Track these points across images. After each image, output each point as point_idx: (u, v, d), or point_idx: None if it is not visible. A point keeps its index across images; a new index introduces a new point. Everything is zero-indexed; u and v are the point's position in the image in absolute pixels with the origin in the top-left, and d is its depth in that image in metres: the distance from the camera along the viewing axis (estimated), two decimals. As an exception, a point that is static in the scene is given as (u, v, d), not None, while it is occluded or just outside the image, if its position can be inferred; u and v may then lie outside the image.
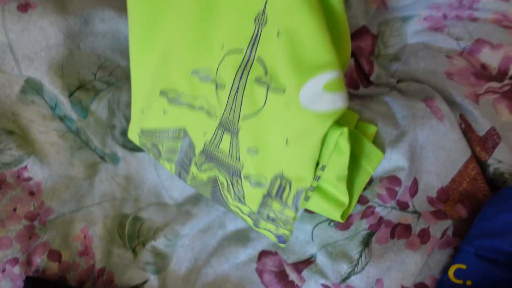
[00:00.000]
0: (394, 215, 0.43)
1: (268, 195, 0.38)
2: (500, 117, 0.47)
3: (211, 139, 0.40)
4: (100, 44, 0.46)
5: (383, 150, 0.44)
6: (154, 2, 0.39)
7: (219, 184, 0.41)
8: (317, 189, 0.38)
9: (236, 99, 0.37)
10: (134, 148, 0.48)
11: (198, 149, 0.41)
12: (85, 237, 0.42)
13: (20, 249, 0.39)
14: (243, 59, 0.35)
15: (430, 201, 0.44)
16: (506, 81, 0.49)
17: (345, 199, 0.38)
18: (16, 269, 0.39)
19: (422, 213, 0.43)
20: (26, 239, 0.39)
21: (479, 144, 0.45)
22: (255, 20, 0.34)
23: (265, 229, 0.41)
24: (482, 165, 0.45)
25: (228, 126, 0.38)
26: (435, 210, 0.44)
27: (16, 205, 0.40)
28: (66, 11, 0.42)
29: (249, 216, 0.41)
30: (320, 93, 0.32)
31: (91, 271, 0.42)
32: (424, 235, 0.42)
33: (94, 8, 0.43)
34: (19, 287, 0.39)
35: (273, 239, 0.42)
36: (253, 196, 0.39)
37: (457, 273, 0.39)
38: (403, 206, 0.44)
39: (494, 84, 0.49)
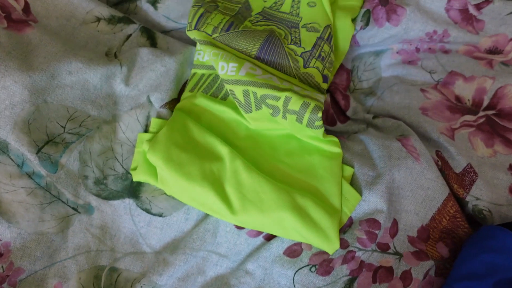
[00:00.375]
0: (375, 258, 0.43)
1: (320, 38, 0.50)
2: (476, 152, 0.47)
3: (272, 5, 0.54)
4: (68, 96, 0.45)
5: (360, 192, 0.43)
6: None
7: (276, 33, 0.50)
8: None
9: None
10: (108, 197, 0.46)
11: (254, 12, 0.53)
12: (57, 297, 0.41)
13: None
14: None
15: (411, 240, 0.44)
16: (481, 113, 0.50)
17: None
18: None
19: (404, 254, 0.43)
20: (-8, 307, 0.37)
21: (457, 181, 0.45)
22: None
23: (313, 66, 0.48)
24: (461, 202, 0.45)
25: None
26: (417, 250, 0.43)
27: (-18, 271, 0.38)
28: (30, 67, 0.41)
29: (301, 56, 0.48)
30: None
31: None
32: (406, 278, 0.41)
33: (60, 62, 0.42)
34: None
35: (320, 79, 0.48)
36: (309, 38, 0.50)
37: (441, 319, 0.39)
38: (383, 248, 0.43)
39: (469, 117, 0.49)
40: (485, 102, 0.50)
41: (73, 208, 0.44)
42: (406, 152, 0.45)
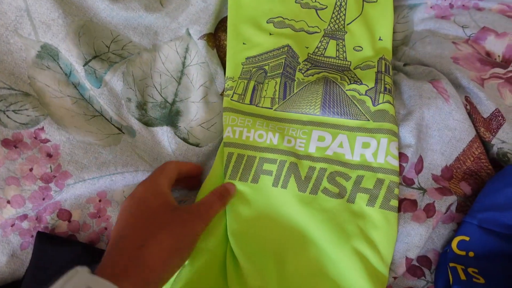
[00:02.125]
0: (400, 190, 0.44)
1: (378, 72, 0.49)
2: (504, 101, 0.48)
3: (315, 50, 0.52)
4: (112, 19, 0.47)
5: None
6: None
7: (331, 78, 0.49)
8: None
9: (340, 10, 0.53)
10: (148, 123, 0.48)
11: (301, 59, 0.51)
12: (100, 200, 0.43)
13: (32, 208, 0.39)
14: None
15: (435, 178, 0.45)
16: (510, 68, 0.51)
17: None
18: (25, 224, 0.39)
19: (428, 189, 0.44)
20: (39, 200, 0.40)
21: (484, 125, 0.46)
22: None
23: (384, 102, 0.46)
24: (486, 145, 0.46)
25: (334, 34, 0.53)
26: (440, 187, 0.45)
27: (32, 166, 0.40)
28: None
29: (367, 95, 0.47)
30: None
31: (102, 233, 0.43)
32: (429, 210, 0.43)
33: None
34: (28, 242, 0.39)
35: (394, 111, 0.46)
36: (367, 75, 0.49)
37: (460, 244, 0.40)
38: (409, 183, 0.45)
39: (499, 70, 0.50)
40: (515, 59, 0.51)
41: (117, 128, 0.46)
42: (436, 92, 0.46)
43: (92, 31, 0.46)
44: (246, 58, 0.51)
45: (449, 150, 0.45)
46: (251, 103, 0.49)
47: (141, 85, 0.49)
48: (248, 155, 0.45)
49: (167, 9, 0.51)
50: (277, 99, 0.48)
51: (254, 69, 0.51)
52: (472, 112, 0.47)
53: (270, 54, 0.51)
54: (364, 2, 0.54)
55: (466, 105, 0.47)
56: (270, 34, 0.52)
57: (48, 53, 0.43)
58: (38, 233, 0.39)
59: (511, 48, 0.52)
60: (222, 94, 0.52)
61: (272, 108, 0.48)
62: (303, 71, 0.50)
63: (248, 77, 0.50)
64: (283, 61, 0.50)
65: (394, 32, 0.58)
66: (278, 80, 0.49)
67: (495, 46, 0.53)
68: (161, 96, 0.50)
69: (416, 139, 0.44)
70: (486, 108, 0.46)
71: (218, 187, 0.42)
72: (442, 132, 0.45)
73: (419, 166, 0.45)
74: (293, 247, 0.42)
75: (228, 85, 0.50)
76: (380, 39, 0.53)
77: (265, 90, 0.49)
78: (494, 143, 0.45)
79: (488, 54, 0.53)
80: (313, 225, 0.42)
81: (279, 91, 0.49)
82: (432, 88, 0.46)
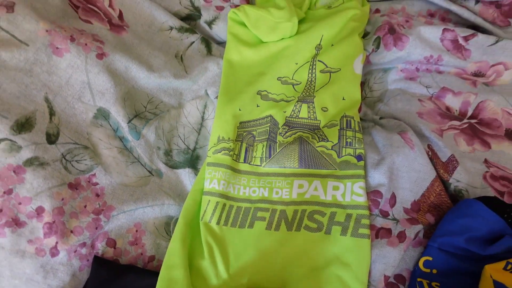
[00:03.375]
0: (378, 221, 0.55)
1: (341, 129, 0.61)
2: (459, 147, 0.60)
3: (291, 113, 0.64)
4: (148, 85, 0.60)
5: (367, 171, 0.57)
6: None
7: (304, 138, 0.60)
8: None
9: (311, 83, 0.66)
10: (173, 166, 0.60)
11: (281, 124, 0.63)
12: (137, 231, 0.54)
13: (89, 236, 0.50)
14: (310, 65, 0.67)
15: (406, 211, 0.56)
16: (465, 121, 0.63)
17: None
18: (84, 250, 0.50)
19: (400, 220, 0.55)
20: (93, 229, 0.50)
21: (442, 167, 0.58)
22: (315, 47, 0.68)
23: (346, 154, 0.58)
24: (445, 184, 0.58)
25: (305, 99, 0.64)
26: (410, 217, 0.56)
27: (86, 203, 0.51)
28: (126, 60, 0.57)
29: (332, 149, 0.59)
30: (359, 63, 0.67)
31: (139, 258, 0.53)
32: (401, 236, 0.54)
33: (146, 61, 0.59)
34: (84, 265, 0.50)
35: (354, 161, 0.58)
36: (332, 133, 0.61)
37: (426, 263, 0.51)
38: (384, 215, 0.56)
39: (455, 123, 0.63)
40: (469, 113, 0.64)
41: (148, 171, 0.58)
42: (404, 142, 0.58)
43: (133, 95, 0.58)
44: (240, 123, 0.63)
45: (416, 188, 0.57)
46: (245, 162, 0.60)
47: (169, 136, 0.61)
48: (245, 207, 0.57)
49: (191, 75, 0.64)
50: (264, 158, 0.60)
51: (244, 133, 0.62)
52: (433, 157, 0.59)
53: (257, 122, 0.63)
54: (331, 73, 0.67)
55: (428, 151, 0.59)
56: (258, 106, 0.64)
57: (102, 114, 0.55)
58: (95, 257, 0.49)
59: (465, 104, 0.65)
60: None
61: (261, 165, 0.60)
62: (282, 134, 0.62)
63: (240, 139, 0.62)
64: (268, 128, 0.62)
65: (371, 91, 0.71)
66: (265, 143, 0.61)
67: (453, 102, 0.66)
68: (184, 144, 0.62)
69: (389, 180, 0.56)
70: (444, 154, 0.58)
71: None
72: (410, 174, 0.57)
73: (393, 201, 0.57)
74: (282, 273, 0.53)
75: (223, 146, 0.60)
76: (343, 99, 0.64)
77: (255, 151, 0.61)
78: (451, 182, 0.57)
79: (448, 109, 0.66)
80: (298, 255, 0.53)
81: (265, 152, 0.60)
82: (401, 139, 0.59)
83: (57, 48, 0.52)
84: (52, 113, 0.52)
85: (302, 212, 0.56)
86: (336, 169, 0.58)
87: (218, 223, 0.55)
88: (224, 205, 0.56)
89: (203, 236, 0.53)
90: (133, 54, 0.60)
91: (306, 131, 0.62)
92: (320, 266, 0.52)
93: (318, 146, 0.60)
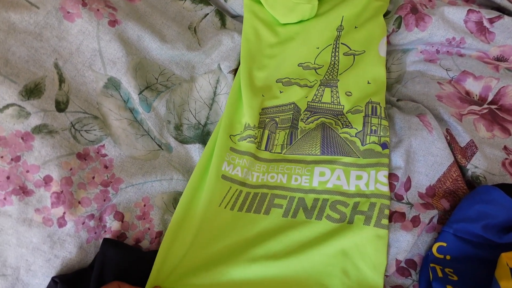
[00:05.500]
0: (392, 205, 0.54)
1: (366, 115, 0.58)
2: (478, 133, 0.58)
3: (313, 98, 0.62)
4: (160, 56, 0.58)
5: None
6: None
7: (327, 124, 0.59)
8: None
9: (334, 66, 0.64)
10: (183, 141, 0.59)
11: (303, 109, 0.61)
12: (145, 205, 0.53)
13: (97, 207, 0.49)
14: (333, 48, 0.65)
15: (420, 195, 0.55)
16: (485, 106, 0.61)
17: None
18: (92, 223, 0.49)
19: (414, 204, 0.54)
20: (101, 201, 0.49)
21: (460, 152, 0.56)
22: (336, 29, 0.66)
23: (370, 142, 0.56)
24: (462, 170, 0.56)
25: (328, 83, 0.62)
26: (424, 202, 0.55)
27: (94, 174, 0.50)
28: (140, 29, 0.54)
29: (356, 137, 0.57)
30: (384, 45, 0.64)
31: (146, 233, 0.52)
32: (415, 221, 0.52)
33: (159, 31, 0.56)
34: (92, 237, 0.49)
35: (379, 149, 0.55)
36: (357, 119, 0.58)
37: (439, 249, 0.50)
38: (399, 198, 0.55)
39: (475, 107, 0.61)
40: (490, 98, 0.62)
41: (158, 145, 0.57)
42: (422, 125, 0.56)
43: (145, 66, 0.56)
44: (262, 109, 0.62)
45: (432, 172, 0.55)
46: (265, 149, 0.59)
47: (179, 110, 0.60)
48: (262, 193, 0.55)
49: (204, 48, 0.61)
50: (285, 145, 0.59)
51: (267, 120, 0.61)
52: (451, 141, 0.57)
53: (280, 108, 0.62)
54: (355, 56, 0.64)
55: (447, 136, 0.57)
56: (280, 92, 0.63)
57: (112, 84, 0.53)
58: (104, 239, 0.48)
59: (486, 89, 0.63)
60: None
61: (282, 153, 0.59)
62: (304, 120, 0.60)
63: (263, 126, 0.61)
64: (291, 116, 0.61)
65: (389, 72, 0.69)
66: (287, 131, 0.60)
67: (473, 86, 0.64)
68: (195, 119, 0.61)
69: (405, 163, 0.55)
70: (462, 139, 0.57)
71: None
72: (427, 158, 0.55)
73: (408, 185, 0.55)
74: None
75: (249, 133, 0.59)
76: (368, 83, 0.62)
77: (277, 139, 0.60)
78: (468, 168, 0.56)
79: (467, 93, 0.63)
80: (316, 243, 0.51)
81: (287, 139, 0.59)
82: (419, 121, 0.57)
83: (68, 12, 0.50)
84: (61, 80, 0.50)
85: (324, 201, 0.54)
86: (359, 157, 0.56)
87: (232, 209, 0.54)
88: (241, 191, 0.55)
89: (213, 220, 0.52)
90: (146, 23, 0.58)
91: (329, 117, 0.60)
92: (338, 254, 0.50)
93: (342, 133, 0.58)
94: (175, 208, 0.54)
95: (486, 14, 0.65)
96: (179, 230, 0.52)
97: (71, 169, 0.48)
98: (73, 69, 0.51)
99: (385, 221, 0.51)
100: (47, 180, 0.46)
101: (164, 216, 0.54)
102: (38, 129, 0.46)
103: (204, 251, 0.51)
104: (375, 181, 0.54)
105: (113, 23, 0.53)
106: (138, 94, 0.54)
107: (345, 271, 0.50)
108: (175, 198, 0.55)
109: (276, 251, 0.51)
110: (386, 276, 0.51)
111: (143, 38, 0.56)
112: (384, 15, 0.70)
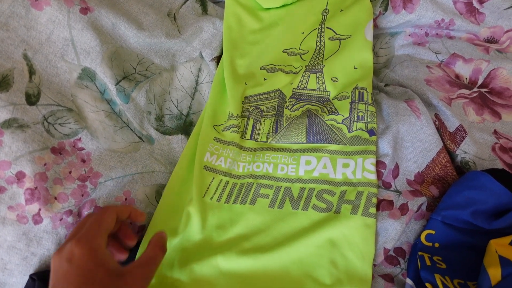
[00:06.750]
0: (380, 193, 0.52)
1: (352, 101, 0.56)
2: (468, 117, 0.57)
3: (298, 84, 0.60)
4: (138, 45, 0.55)
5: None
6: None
7: (313, 111, 0.57)
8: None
9: (319, 51, 0.63)
10: (165, 132, 0.57)
11: (288, 96, 0.60)
12: (126, 199, 0.51)
13: (74, 203, 0.47)
14: (318, 32, 0.63)
15: (409, 182, 0.54)
16: (475, 89, 0.60)
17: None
18: (70, 219, 0.47)
19: (402, 191, 0.53)
20: (79, 196, 0.48)
21: (450, 138, 0.55)
22: (321, 12, 0.65)
23: (358, 129, 0.54)
24: (452, 155, 0.55)
25: (313, 68, 0.61)
26: (413, 189, 0.53)
27: (71, 169, 0.48)
28: (114, 17, 0.52)
29: (343, 123, 0.55)
30: (370, 29, 0.63)
31: (128, 227, 0.51)
32: (403, 208, 0.51)
33: (135, 19, 0.53)
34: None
35: (366, 135, 0.54)
36: (343, 105, 0.56)
37: (428, 237, 0.49)
38: (387, 186, 0.53)
39: (465, 91, 0.59)
40: (480, 81, 0.60)
41: (139, 137, 0.55)
42: (410, 110, 0.55)
43: (122, 56, 0.54)
44: (245, 97, 0.60)
45: (421, 159, 0.54)
46: (251, 138, 0.57)
47: (160, 100, 0.58)
48: (248, 182, 0.54)
49: (184, 35, 0.59)
50: (271, 134, 0.57)
51: (251, 108, 0.59)
52: (440, 127, 0.56)
53: (265, 96, 0.60)
54: (340, 40, 0.63)
55: (435, 121, 0.56)
56: (265, 79, 0.61)
57: (87, 75, 0.51)
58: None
59: (476, 72, 0.61)
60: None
61: (267, 141, 0.57)
62: (289, 107, 0.59)
63: (246, 115, 0.59)
64: (276, 103, 0.59)
65: (377, 56, 0.67)
66: (273, 119, 0.58)
67: (463, 69, 0.62)
68: (177, 109, 0.59)
69: (393, 149, 0.53)
70: (451, 124, 0.55)
71: (157, 238, 0.42)
72: (415, 144, 0.54)
73: (396, 172, 0.54)
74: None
75: (232, 122, 0.57)
76: (355, 68, 0.60)
77: (263, 128, 0.58)
78: (458, 153, 0.54)
79: (457, 76, 0.62)
80: (303, 233, 0.50)
81: (272, 127, 0.57)
82: (407, 107, 0.55)
83: (35, 0, 0.48)
84: (32, 72, 0.48)
85: (310, 190, 0.52)
86: (346, 144, 0.54)
87: (218, 200, 0.52)
88: (227, 182, 0.54)
89: (201, 212, 0.51)
90: (121, 10, 0.55)
91: (315, 104, 0.58)
92: (326, 244, 0.49)
93: (328, 120, 0.56)
94: (157, 201, 0.53)
95: (476, -6, 0.63)
96: (164, 223, 0.51)
97: (45, 164, 0.46)
98: (44, 60, 0.49)
99: (372, 210, 0.50)
100: (20, 176, 0.44)
101: (146, 210, 0.52)
102: (7, 124, 0.44)
103: (192, 243, 0.50)
104: (362, 169, 0.52)
105: (85, 10, 0.50)
106: (115, 85, 0.52)
107: (333, 261, 0.49)
108: (157, 191, 0.53)
109: (264, 244, 0.50)
110: (374, 265, 0.50)
111: (118, 26, 0.53)
112: (371, -3, 0.68)
